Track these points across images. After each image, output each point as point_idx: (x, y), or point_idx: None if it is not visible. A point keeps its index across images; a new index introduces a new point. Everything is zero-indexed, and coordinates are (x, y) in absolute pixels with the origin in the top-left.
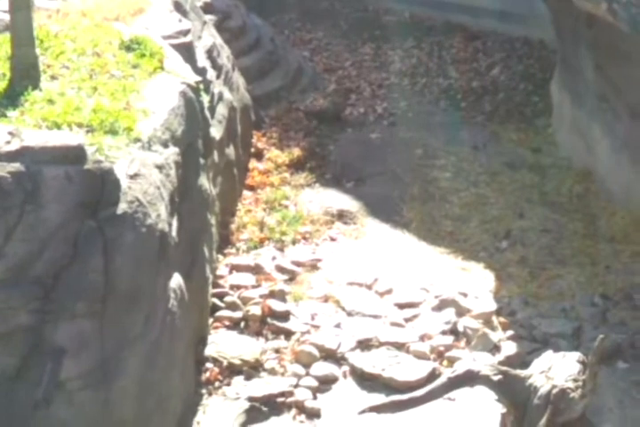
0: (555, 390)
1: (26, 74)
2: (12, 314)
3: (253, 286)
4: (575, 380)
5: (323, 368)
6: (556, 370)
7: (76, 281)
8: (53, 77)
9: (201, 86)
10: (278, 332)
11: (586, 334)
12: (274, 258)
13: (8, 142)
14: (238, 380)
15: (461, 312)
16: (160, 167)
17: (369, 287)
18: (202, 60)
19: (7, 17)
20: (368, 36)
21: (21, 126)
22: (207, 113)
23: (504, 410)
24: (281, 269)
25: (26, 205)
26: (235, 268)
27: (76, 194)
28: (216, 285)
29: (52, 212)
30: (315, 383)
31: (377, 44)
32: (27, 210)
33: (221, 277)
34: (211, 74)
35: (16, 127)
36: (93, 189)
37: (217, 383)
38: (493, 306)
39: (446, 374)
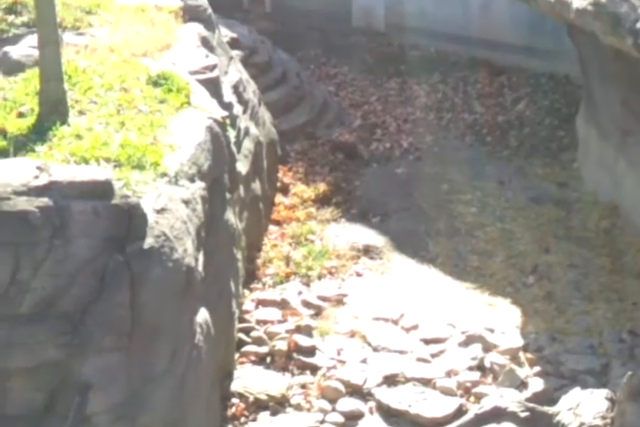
0: None
1: (54, 109)
2: (40, 348)
3: (279, 321)
4: (603, 417)
5: (349, 404)
6: (584, 407)
7: (104, 315)
8: (81, 112)
9: (227, 121)
10: (304, 367)
11: (614, 371)
12: (300, 293)
13: (36, 177)
14: (264, 415)
15: (488, 348)
16: (187, 202)
17: (395, 323)
18: (228, 95)
19: (36, 52)
20: (393, 70)
21: (50, 161)
22: (233, 148)
23: None
24: (307, 304)
25: (54, 240)
26: (261, 302)
27: (103, 229)
28: (242, 320)
29: (80, 246)
30: (341, 419)
31: (402, 78)
32: (55, 244)
33: (247, 311)
34: (237, 109)
35: (44, 162)
36: (121, 223)
37: (243, 419)
38: (520, 342)
39: (473, 410)
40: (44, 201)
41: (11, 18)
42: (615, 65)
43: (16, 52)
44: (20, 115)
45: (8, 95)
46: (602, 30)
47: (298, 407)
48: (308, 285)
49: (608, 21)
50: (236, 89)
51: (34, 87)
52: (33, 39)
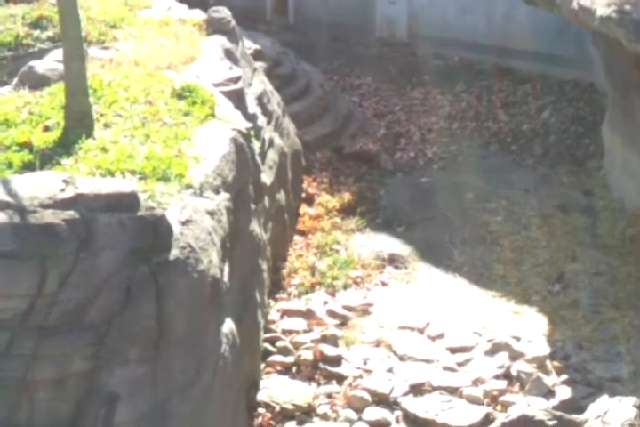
0: None
1: (80, 122)
2: (66, 360)
3: (305, 331)
4: (632, 424)
5: (375, 413)
6: (612, 415)
7: (129, 327)
8: (107, 125)
9: (252, 133)
10: (330, 377)
11: None
12: (325, 303)
13: (63, 190)
14: (291, 425)
15: (515, 356)
16: (211, 213)
17: (421, 332)
18: (252, 107)
19: (61, 67)
20: (417, 80)
21: (75, 174)
22: (258, 159)
23: None
24: (332, 314)
25: (80, 252)
26: (286, 313)
27: (129, 240)
28: (268, 330)
29: (106, 258)
30: None
31: (426, 88)
32: (81, 257)
33: (273, 322)
34: (261, 120)
35: (70, 175)
36: (146, 235)
37: None
38: (547, 350)
39: (500, 418)
40: (71, 214)
41: (36, 33)
42: None
43: (42, 66)
44: (46, 128)
45: (34, 109)
46: (626, 37)
47: (324, 417)
48: (333, 294)
49: (632, 28)
50: (261, 100)
51: (59, 101)
52: (58, 54)
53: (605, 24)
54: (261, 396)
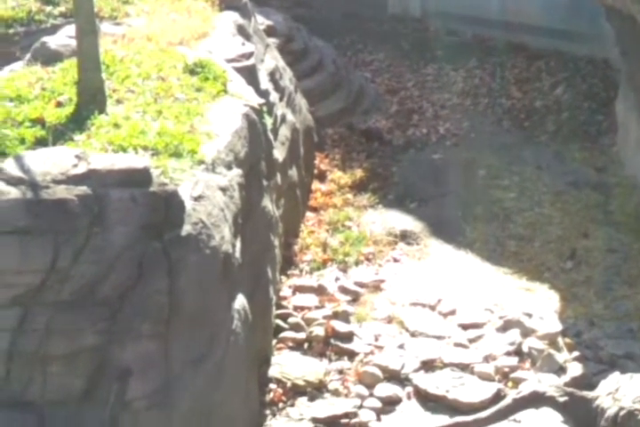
0: (622, 413)
1: (92, 98)
2: (79, 335)
3: (317, 307)
4: None
5: (386, 389)
6: (624, 392)
7: (142, 302)
8: (119, 101)
9: (264, 108)
10: (342, 353)
11: None
12: (337, 279)
13: (75, 166)
14: (302, 401)
15: (526, 333)
16: (224, 189)
17: (432, 308)
18: (265, 83)
19: (74, 42)
20: (430, 56)
21: (88, 150)
22: (270, 135)
23: None
24: (344, 290)
25: (92, 228)
26: (298, 289)
27: (141, 216)
28: (279, 306)
29: (118, 234)
30: (378, 404)
31: (439, 64)
32: (93, 232)
33: (285, 298)
34: (274, 96)
35: (83, 151)
36: (158, 211)
37: (281, 404)
38: (559, 327)
39: (511, 395)
40: (83, 189)
41: (48, 8)
42: None
43: (54, 42)
44: (59, 104)
45: (46, 85)
46: None
47: (335, 393)
48: (345, 271)
49: None
50: (273, 76)
51: (72, 77)
52: (71, 29)
53: None
54: (273, 372)
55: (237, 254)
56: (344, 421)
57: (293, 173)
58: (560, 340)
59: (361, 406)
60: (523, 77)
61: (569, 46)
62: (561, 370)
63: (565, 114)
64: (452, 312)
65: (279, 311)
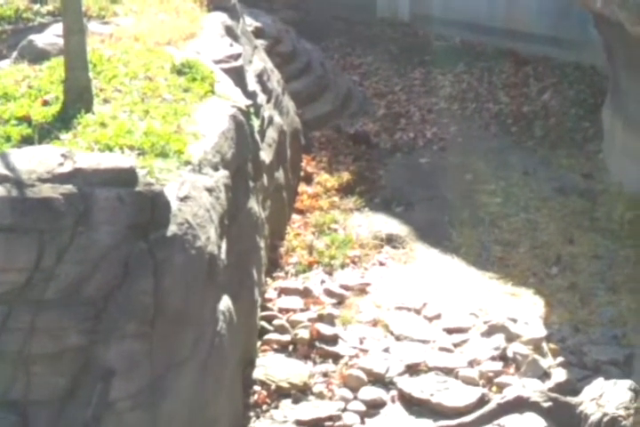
0: (605, 418)
1: (79, 97)
2: (63, 334)
3: (302, 310)
4: (627, 408)
5: (371, 393)
6: (608, 398)
7: (126, 302)
8: (106, 101)
9: (251, 110)
10: (326, 355)
11: (637, 362)
12: (322, 282)
13: (61, 164)
14: (286, 403)
15: (511, 338)
16: (210, 190)
17: (418, 312)
18: (252, 84)
19: (61, 41)
20: (418, 60)
21: (74, 149)
22: (257, 136)
23: None
24: (329, 293)
25: (78, 227)
26: (283, 291)
27: (127, 216)
28: (265, 308)
29: (104, 233)
30: (362, 408)
31: (427, 68)
32: (78, 231)
33: (270, 300)
34: (261, 98)
35: (69, 150)
36: (144, 211)
37: (265, 406)
38: (543, 332)
39: (495, 400)
40: (69, 188)
41: (36, 6)
42: None
43: (41, 40)
44: (45, 103)
45: (33, 83)
46: (628, 20)
47: (319, 395)
48: (330, 274)
49: (635, 11)
50: (260, 78)
51: (59, 75)
52: (58, 28)
53: (608, 6)
54: (257, 374)
55: (223, 255)
56: (328, 424)
57: (280, 175)
58: (544, 345)
59: (345, 410)
60: (510, 83)
61: (557, 52)
62: (545, 375)
63: (552, 120)
64: (438, 316)
65: (264, 313)
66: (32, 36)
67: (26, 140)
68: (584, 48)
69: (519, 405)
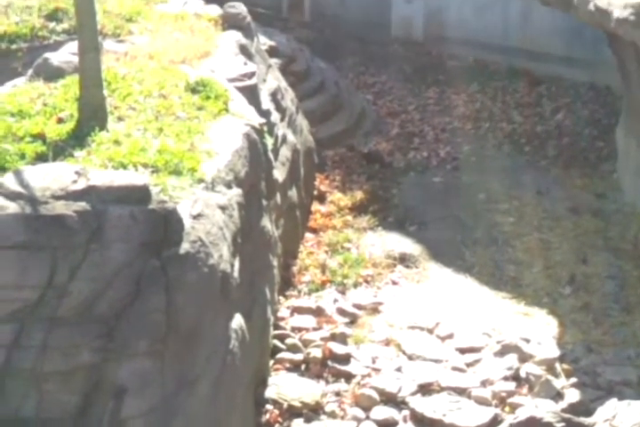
0: None
1: (93, 115)
2: (75, 352)
3: (314, 329)
4: None
5: (383, 412)
6: (621, 418)
7: (139, 320)
8: (120, 119)
9: (265, 128)
10: (339, 375)
11: None
12: (335, 301)
13: (75, 182)
14: (298, 422)
15: (524, 358)
16: (223, 208)
17: (430, 331)
18: (266, 103)
19: (76, 59)
20: (432, 80)
21: (88, 166)
22: (270, 155)
23: None
24: (342, 312)
25: (91, 244)
26: (296, 310)
27: (140, 233)
28: (277, 326)
29: (117, 251)
30: None
31: (441, 88)
32: (91, 249)
33: (282, 318)
34: (275, 116)
35: (83, 167)
36: (157, 228)
37: (277, 425)
38: (556, 352)
39: (508, 420)
40: (82, 205)
41: (52, 25)
42: None
43: (57, 58)
44: (60, 120)
45: (48, 101)
46: None
47: (332, 415)
48: (343, 293)
49: None
50: (274, 97)
51: (74, 93)
52: (74, 46)
53: (622, 26)
54: (269, 393)
55: (236, 274)
56: None
57: (293, 193)
58: (558, 365)
59: None
60: (524, 102)
61: (571, 72)
62: (558, 396)
63: (566, 139)
64: (450, 336)
65: (277, 332)
66: (47, 54)
67: (40, 158)
68: (598, 68)
69: (532, 425)
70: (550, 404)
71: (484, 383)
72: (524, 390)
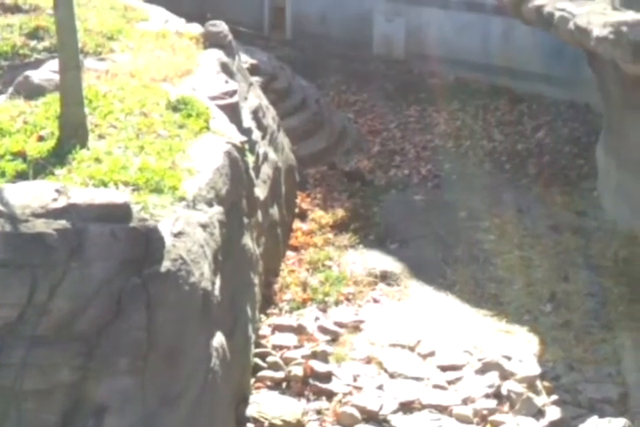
0: None
1: (74, 133)
2: (55, 370)
3: (296, 347)
4: None
5: None
6: None
7: (119, 338)
8: (101, 136)
9: (246, 146)
10: (320, 393)
11: (632, 400)
12: (317, 319)
13: (55, 200)
14: None
15: (505, 376)
16: (204, 226)
17: (412, 349)
18: (247, 121)
19: (57, 77)
20: (413, 98)
21: (68, 184)
22: (252, 173)
23: None
24: (323, 330)
25: (71, 262)
26: (277, 328)
27: (120, 251)
28: (258, 345)
29: (97, 269)
30: None
31: (422, 106)
32: (72, 267)
33: (264, 337)
34: (256, 134)
35: (63, 185)
36: (138, 246)
37: None
38: (537, 370)
39: None
40: (62, 223)
41: (33, 43)
42: (635, 93)
43: (37, 76)
44: (40, 138)
45: (29, 119)
46: (622, 58)
47: None
48: (324, 311)
49: (628, 49)
50: (256, 115)
51: (54, 111)
52: (54, 64)
53: (601, 44)
54: (250, 411)
55: (217, 292)
56: None
57: (274, 211)
58: (539, 383)
59: None
60: (505, 120)
61: (551, 90)
62: (539, 414)
63: (547, 157)
64: (432, 354)
65: (258, 350)
66: (28, 72)
67: (20, 176)
68: (578, 86)
69: None
70: (532, 422)
71: (465, 401)
72: (506, 407)
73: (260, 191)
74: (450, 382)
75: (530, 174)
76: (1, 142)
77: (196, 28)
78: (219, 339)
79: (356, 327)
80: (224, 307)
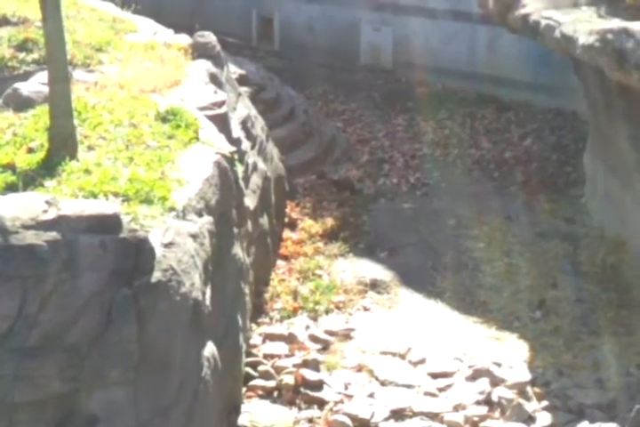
0: None
1: (63, 144)
2: (46, 382)
3: (287, 356)
4: None
5: None
6: None
7: (110, 349)
8: (90, 148)
9: (235, 157)
10: (311, 401)
11: (622, 405)
12: (307, 327)
13: (45, 211)
14: None
15: (495, 382)
16: (194, 236)
17: (402, 357)
18: (236, 131)
19: (46, 89)
20: (401, 107)
21: (58, 196)
22: (241, 183)
23: None
24: (314, 339)
25: (61, 274)
26: (268, 337)
27: (111, 262)
28: (249, 354)
29: (88, 280)
30: None
31: (410, 115)
32: (62, 278)
33: (255, 346)
34: (245, 144)
35: (53, 197)
36: (128, 257)
37: None
38: (528, 376)
39: None
40: (53, 235)
41: (22, 55)
42: (621, 100)
43: (26, 88)
44: (30, 150)
45: (18, 131)
46: (608, 66)
47: None
48: (315, 319)
49: (614, 57)
50: (245, 125)
51: (44, 123)
52: (43, 76)
53: (587, 52)
54: (242, 420)
55: (207, 302)
56: None
57: (264, 221)
58: (529, 389)
59: None
60: (492, 128)
61: (538, 98)
62: (530, 419)
63: (534, 165)
64: (422, 361)
65: (249, 359)
66: (17, 85)
67: (10, 188)
68: (565, 94)
69: None
70: None
71: (456, 408)
72: (497, 414)
73: (250, 201)
74: (441, 390)
75: (518, 182)
76: None
77: (184, 39)
78: (210, 349)
79: (346, 336)
80: (215, 316)
